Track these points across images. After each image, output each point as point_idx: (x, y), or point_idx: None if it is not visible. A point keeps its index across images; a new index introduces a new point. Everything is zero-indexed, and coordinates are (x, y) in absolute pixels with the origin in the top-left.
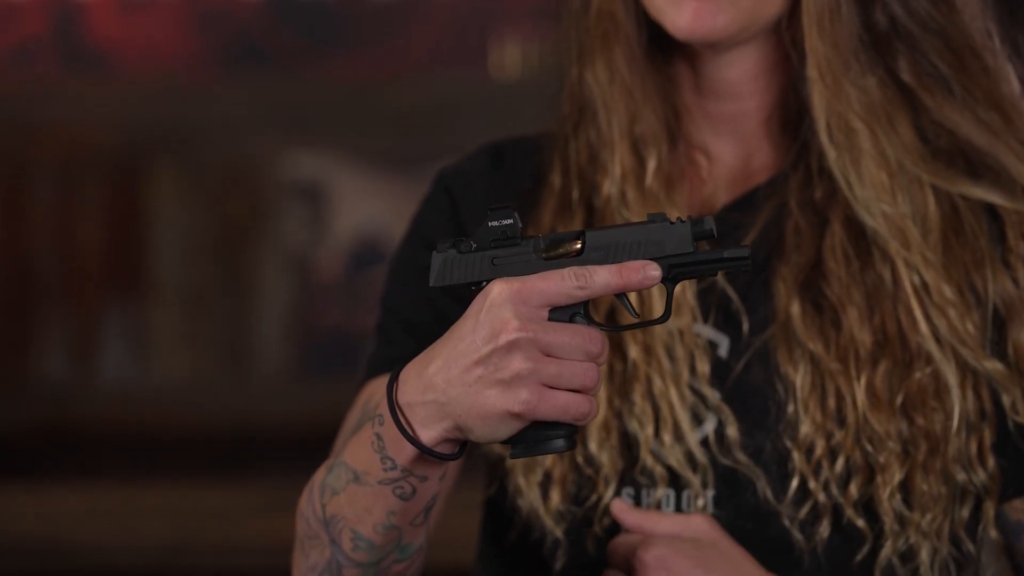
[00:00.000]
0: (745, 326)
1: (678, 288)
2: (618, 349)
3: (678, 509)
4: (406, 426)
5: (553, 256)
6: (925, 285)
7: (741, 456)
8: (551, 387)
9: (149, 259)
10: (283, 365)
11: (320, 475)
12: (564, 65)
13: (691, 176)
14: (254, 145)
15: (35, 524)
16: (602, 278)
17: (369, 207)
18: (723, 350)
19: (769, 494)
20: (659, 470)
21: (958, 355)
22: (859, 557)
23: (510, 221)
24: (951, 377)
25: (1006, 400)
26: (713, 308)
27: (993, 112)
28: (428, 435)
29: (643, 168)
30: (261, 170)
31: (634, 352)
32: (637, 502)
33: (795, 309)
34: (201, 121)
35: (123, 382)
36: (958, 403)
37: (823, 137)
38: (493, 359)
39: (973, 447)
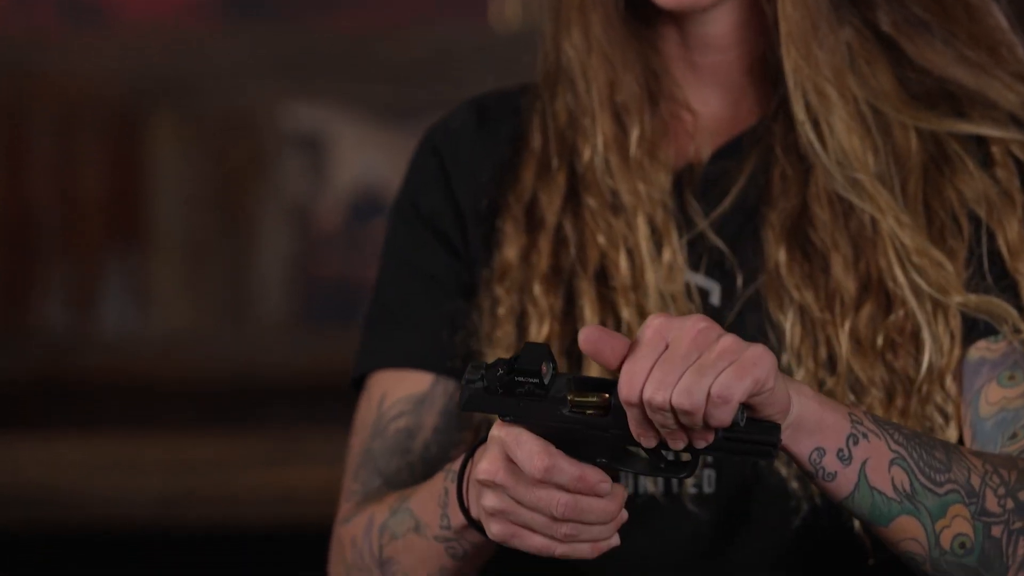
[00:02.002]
0: (736, 274)
1: (667, 242)
2: (611, 309)
3: (675, 461)
4: (465, 493)
5: (579, 407)
6: (901, 242)
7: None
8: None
9: (149, 209)
10: (284, 315)
11: (382, 514)
12: (541, 30)
13: (676, 133)
14: (254, 96)
15: (35, 474)
16: (564, 475)
17: (370, 158)
18: (715, 298)
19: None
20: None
21: (933, 299)
22: None
23: (536, 381)
24: (923, 321)
25: (1005, 328)
26: (704, 256)
27: (978, 49)
28: (476, 510)
29: (626, 136)
30: (261, 120)
31: (627, 313)
32: (631, 488)
33: (783, 256)
34: (201, 71)
35: (123, 332)
36: (929, 343)
37: (795, 100)
38: (477, 488)
39: (938, 384)
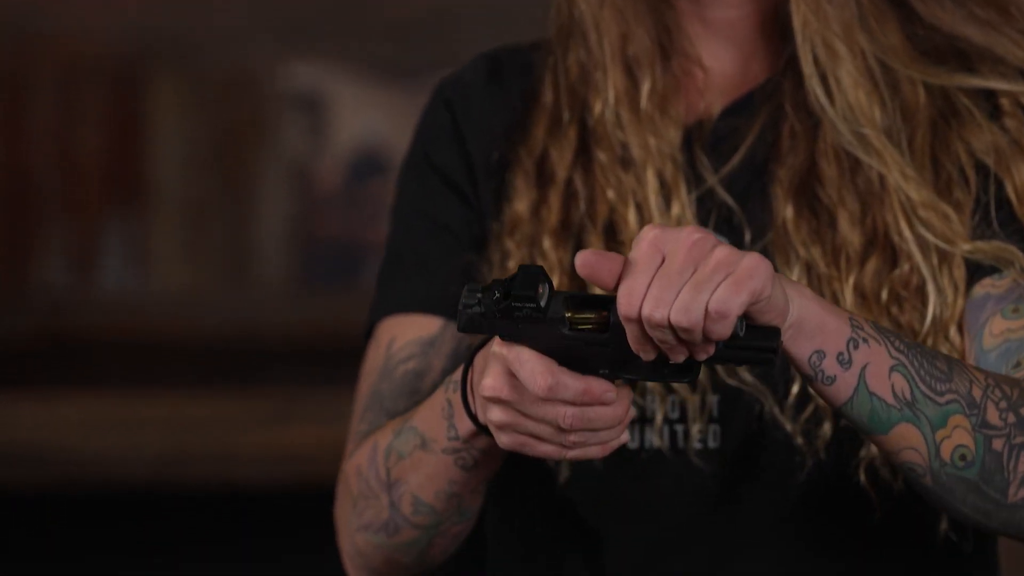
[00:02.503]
0: (745, 230)
1: (675, 196)
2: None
3: (682, 421)
4: (471, 400)
5: (578, 326)
6: (907, 196)
7: (745, 374)
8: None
9: (149, 170)
10: (283, 276)
11: (386, 438)
12: None
13: (687, 88)
14: (254, 56)
15: (34, 433)
16: (568, 391)
17: (369, 118)
18: None
19: (775, 408)
20: (658, 387)
21: (939, 251)
22: (863, 453)
23: (532, 305)
24: (928, 274)
25: (1012, 271)
26: (713, 212)
27: (988, 8)
28: (484, 417)
29: (637, 90)
30: (261, 81)
31: None
32: (639, 422)
33: (790, 213)
34: (201, 32)
35: (123, 292)
36: (933, 296)
37: (803, 54)
38: (483, 401)
39: (942, 336)
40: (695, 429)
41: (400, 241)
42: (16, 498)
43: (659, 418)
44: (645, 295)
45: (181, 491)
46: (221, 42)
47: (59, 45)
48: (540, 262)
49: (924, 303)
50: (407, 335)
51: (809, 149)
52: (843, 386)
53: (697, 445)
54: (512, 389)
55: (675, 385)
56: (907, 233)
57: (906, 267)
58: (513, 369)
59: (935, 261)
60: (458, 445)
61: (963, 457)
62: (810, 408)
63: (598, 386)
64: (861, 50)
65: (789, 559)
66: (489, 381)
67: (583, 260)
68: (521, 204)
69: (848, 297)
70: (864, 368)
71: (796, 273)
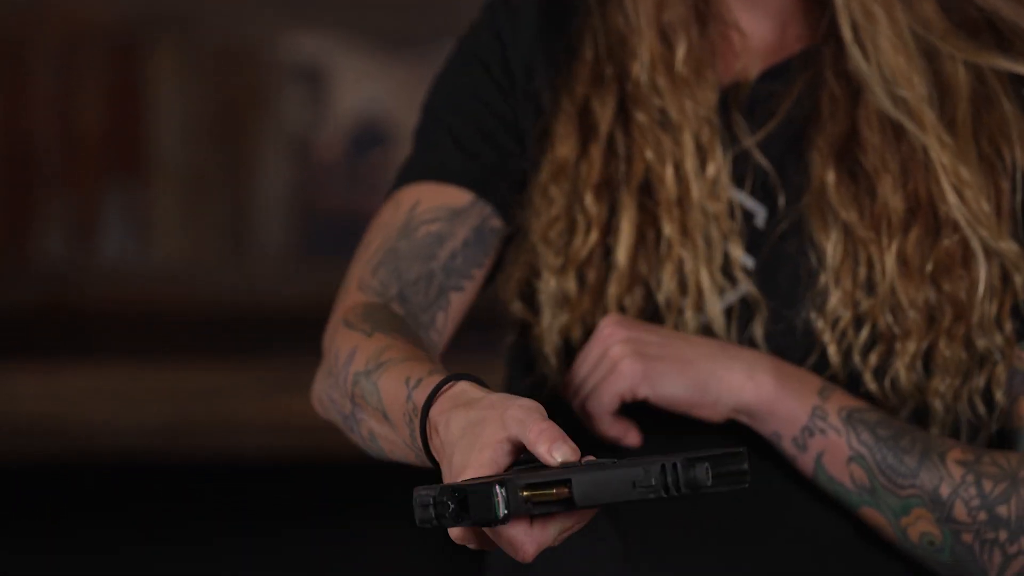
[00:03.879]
0: (781, 196)
1: (711, 158)
2: (652, 223)
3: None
4: (428, 434)
5: (539, 500)
6: (946, 166)
7: (764, 350)
8: None
9: (149, 140)
10: (284, 247)
11: (360, 362)
12: None
13: (723, 53)
14: (254, 26)
15: (35, 404)
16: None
17: (370, 89)
18: (759, 220)
19: None
20: None
21: (987, 223)
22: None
23: (493, 519)
24: (977, 244)
25: (1018, 280)
26: (749, 176)
27: None
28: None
29: (672, 54)
30: (260, 51)
31: (668, 229)
32: None
33: (830, 178)
34: (201, 2)
35: (124, 263)
36: (984, 270)
37: (842, 20)
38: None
39: (994, 310)
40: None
41: (435, 122)
42: (17, 469)
43: None
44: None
45: (182, 461)
46: (222, 12)
47: (59, 15)
48: (579, 216)
49: (974, 275)
50: (434, 201)
51: (850, 115)
52: (803, 466)
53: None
54: (480, 540)
55: None
56: (953, 200)
57: (953, 238)
58: (490, 536)
59: (983, 233)
60: (419, 453)
61: (931, 543)
62: (826, 375)
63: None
64: (899, 18)
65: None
66: (457, 534)
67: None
68: (564, 150)
69: (890, 264)
70: (820, 455)
71: (833, 237)
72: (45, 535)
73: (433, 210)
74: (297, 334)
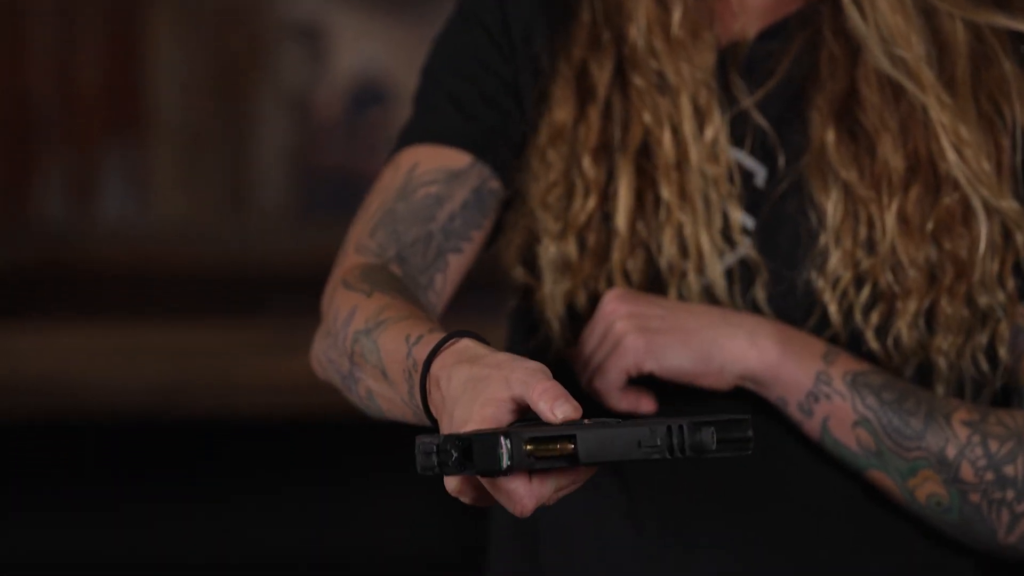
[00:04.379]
0: (780, 156)
1: (709, 120)
2: (651, 187)
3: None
4: (429, 402)
5: (542, 455)
6: (947, 125)
7: (767, 311)
8: None
9: (148, 98)
10: (283, 205)
11: (360, 321)
12: None
13: (721, 13)
14: None
15: (34, 362)
16: (547, 503)
17: (369, 47)
18: (759, 180)
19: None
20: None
21: (988, 182)
22: None
23: (497, 470)
24: (977, 203)
25: (1019, 238)
26: (749, 136)
27: None
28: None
29: (668, 17)
30: (260, 9)
31: (667, 192)
32: None
33: (830, 137)
34: None
35: (123, 221)
36: (984, 228)
37: None
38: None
39: (995, 267)
40: None
41: (435, 85)
42: (16, 427)
43: None
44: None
45: (180, 420)
46: None
47: None
48: (578, 180)
49: (975, 232)
50: (433, 163)
51: (849, 74)
52: (810, 430)
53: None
54: (476, 493)
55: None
56: (953, 158)
57: (954, 196)
58: (487, 488)
59: (983, 191)
60: (416, 409)
61: (938, 503)
62: (827, 334)
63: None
64: None
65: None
66: (454, 486)
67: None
68: (562, 114)
69: (890, 223)
70: (825, 420)
71: (833, 196)
72: (43, 492)
73: (432, 172)
74: (296, 293)
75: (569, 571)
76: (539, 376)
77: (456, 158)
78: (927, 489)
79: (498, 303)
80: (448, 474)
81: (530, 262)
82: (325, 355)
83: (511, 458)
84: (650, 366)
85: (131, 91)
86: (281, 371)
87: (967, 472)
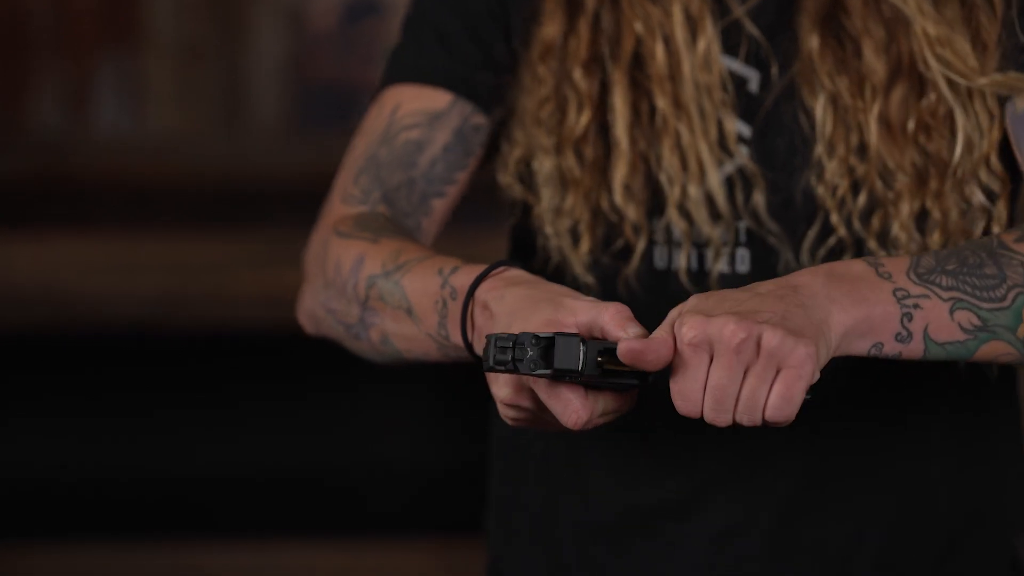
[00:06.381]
0: (772, 64)
1: (701, 29)
2: (645, 98)
3: (699, 268)
4: (469, 331)
5: (608, 367)
6: (924, 28)
7: (767, 220)
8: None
9: (142, 10)
10: (278, 117)
11: (373, 266)
12: None
13: None
14: None
15: (30, 274)
16: (601, 418)
17: None
18: (753, 85)
19: (790, 255)
20: (683, 226)
21: (960, 82)
22: None
23: (574, 371)
24: (955, 103)
25: (1019, 103)
26: (742, 44)
27: None
28: (492, 388)
29: None
30: None
31: (662, 103)
32: (667, 244)
33: (815, 43)
34: None
35: (118, 133)
36: (962, 125)
37: None
38: (489, 378)
39: (978, 162)
40: (724, 251)
41: (421, 16)
42: (11, 338)
43: (687, 243)
44: (703, 401)
45: (176, 332)
46: None
47: None
48: (570, 93)
49: (953, 132)
50: (414, 104)
51: None
52: (912, 353)
53: (724, 269)
54: (532, 402)
55: (702, 216)
56: (932, 62)
57: (933, 96)
58: (542, 397)
59: (963, 90)
60: (445, 342)
61: None
62: (832, 239)
63: (629, 403)
64: None
65: None
66: (508, 393)
67: (628, 349)
68: (551, 28)
69: (873, 127)
70: (926, 329)
71: (822, 102)
72: (39, 403)
73: (412, 115)
74: (290, 206)
75: (576, 485)
76: (606, 304)
77: (437, 98)
78: None
79: (494, 215)
80: (522, 371)
81: (527, 179)
82: (323, 307)
83: (583, 364)
84: (817, 373)
85: (126, 2)
86: (276, 283)
87: None
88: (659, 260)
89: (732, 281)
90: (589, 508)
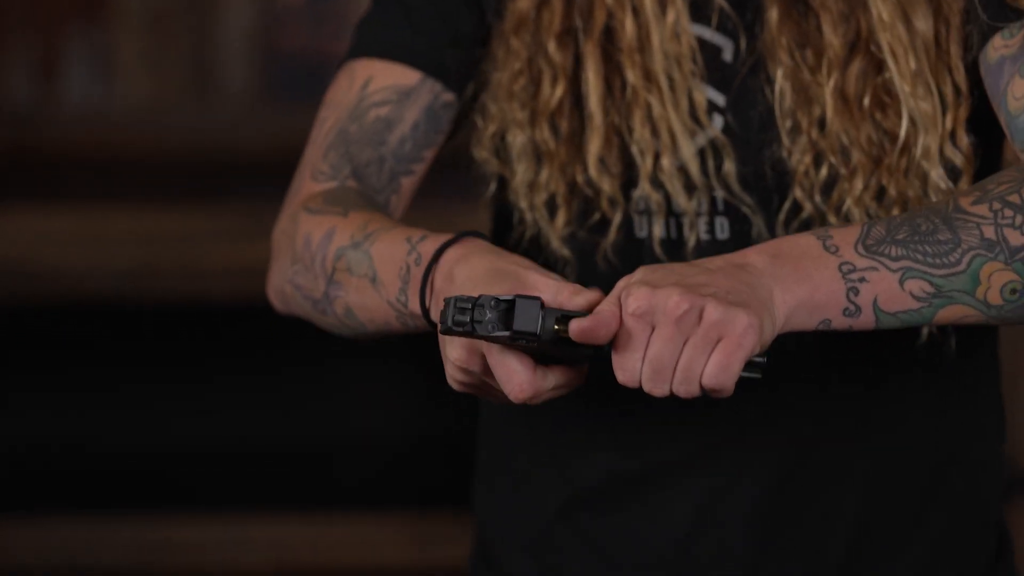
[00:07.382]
0: (742, 37)
1: (670, 6)
2: (617, 71)
3: (678, 237)
4: (428, 295)
5: (572, 345)
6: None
7: (740, 192)
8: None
9: None
10: (248, 88)
11: (343, 238)
12: None
13: None
14: None
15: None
16: (547, 394)
17: None
18: (728, 54)
19: (763, 226)
20: (656, 198)
21: (927, 54)
22: None
23: (531, 334)
24: (900, 81)
25: (990, 53)
26: (714, 15)
27: None
28: (444, 350)
29: None
30: None
31: (632, 75)
32: (645, 213)
33: (774, 16)
34: None
35: (87, 104)
36: (908, 105)
37: None
38: (441, 340)
39: (936, 140)
40: (702, 221)
41: None
42: None
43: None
44: (641, 371)
45: (147, 305)
46: None
47: None
48: (544, 66)
49: (910, 109)
50: (385, 79)
51: None
52: (863, 325)
53: (704, 236)
54: (481, 368)
55: (670, 203)
56: (887, 37)
57: (888, 73)
58: (490, 364)
59: (914, 65)
60: (403, 310)
61: (1013, 291)
62: (802, 216)
63: (578, 376)
64: None
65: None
66: (461, 354)
67: (578, 329)
68: (525, 1)
69: (829, 101)
70: (875, 301)
71: (780, 76)
72: (8, 377)
73: (383, 91)
74: (260, 178)
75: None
76: (567, 284)
77: (407, 75)
78: (997, 283)
79: (469, 185)
80: (479, 333)
81: (503, 153)
82: (291, 283)
83: (542, 328)
84: (768, 339)
85: None
86: (247, 256)
87: (1013, 236)
88: (639, 231)
89: (712, 249)
90: (573, 475)
